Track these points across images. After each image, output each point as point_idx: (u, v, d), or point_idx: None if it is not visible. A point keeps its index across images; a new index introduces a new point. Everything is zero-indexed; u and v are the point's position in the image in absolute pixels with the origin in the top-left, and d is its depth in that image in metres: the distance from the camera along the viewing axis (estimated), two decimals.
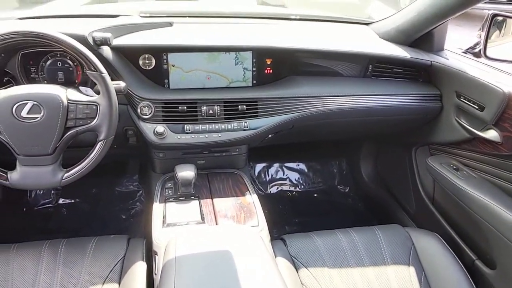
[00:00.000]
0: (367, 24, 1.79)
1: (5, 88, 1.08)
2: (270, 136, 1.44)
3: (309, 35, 1.62)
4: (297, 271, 1.20)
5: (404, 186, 1.83)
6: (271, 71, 1.48)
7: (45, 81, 1.32)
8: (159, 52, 1.37)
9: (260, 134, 1.39)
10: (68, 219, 1.97)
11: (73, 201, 2.06)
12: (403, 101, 1.51)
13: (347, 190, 2.30)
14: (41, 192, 2.05)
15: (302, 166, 2.35)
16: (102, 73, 1.08)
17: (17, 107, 1.02)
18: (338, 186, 2.31)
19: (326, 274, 1.20)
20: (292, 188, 2.25)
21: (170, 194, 1.34)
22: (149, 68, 1.39)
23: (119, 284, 1.12)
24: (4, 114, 1.02)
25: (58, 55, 1.32)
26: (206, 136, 1.35)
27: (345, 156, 2.35)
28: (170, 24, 1.52)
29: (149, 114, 1.32)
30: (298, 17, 1.78)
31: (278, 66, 1.48)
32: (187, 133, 1.34)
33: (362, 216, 2.12)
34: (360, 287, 1.19)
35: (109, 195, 2.08)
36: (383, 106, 1.50)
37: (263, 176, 2.27)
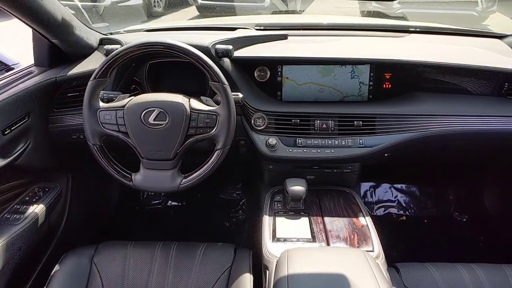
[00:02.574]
0: (500, 37, 1.60)
1: (134, 95, 1.16)
2: (386, 155, 1.34)
3: (433, 48, 1.49)
4: None
5: None
6: (389, 86, 1.39)
7: (167, 90, 1.41)
8: (274, 64, 1.38)
9: (376, 153, 1.30)
10: (175, 220, 2.09)
11: (180, 204, 2.18)
12: None
13: (464, 219, 2.05)
14: (152, 193, 2.21)
15: (413, 188, 2.16)
16: (224, 84, 1.11)
17: (145, 113, 1.09)
18: (455, 214, 2.07)
19: None
20: (401, 212, 2.08)
21: (280, 207, 1.33)
22: (264, 80, 1.40)
23: None
24: (133, 119, 1.10)
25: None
26: (319, 151, 1.31)
27: (464, 182, 2.10)
28: (285, 37, 1.53)
29: (263, 126, 1.33)
30: (419, 29, 1.65)
31: (398, 81, 1.39)
32: (299, 146, 1.32)
33: (484, 251, 1.86)
34: None
35: (213, 201, 2.16)
36: None
37: (369, 196, 2.14)
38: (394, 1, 4.91)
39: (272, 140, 1.30)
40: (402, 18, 5.13)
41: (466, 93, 1.40)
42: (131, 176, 1.15)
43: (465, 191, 2.09)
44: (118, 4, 5.51)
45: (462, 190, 2.10)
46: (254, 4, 5.40)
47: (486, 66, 1.33)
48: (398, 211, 2.09)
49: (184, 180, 1.14)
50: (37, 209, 1.31)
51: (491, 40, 1.60)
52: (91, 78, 1.10)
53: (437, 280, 1.14)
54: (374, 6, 5.32)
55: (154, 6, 6.07)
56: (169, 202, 2.19)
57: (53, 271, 1.15)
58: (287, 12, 5.44)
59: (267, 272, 1.09)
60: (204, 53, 1.12)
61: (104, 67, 1.09)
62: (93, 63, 1.40)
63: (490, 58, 1.40)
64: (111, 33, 1.61)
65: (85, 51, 1.45)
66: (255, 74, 1.40)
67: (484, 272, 1.16)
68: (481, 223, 1.97)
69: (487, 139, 1.36)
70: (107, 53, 1.26)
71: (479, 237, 1.92)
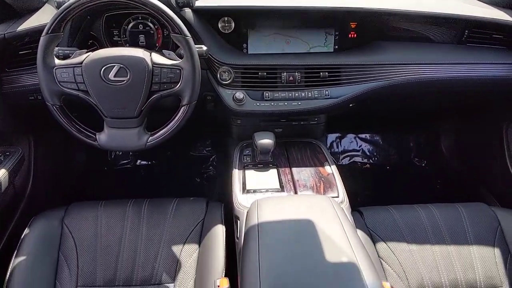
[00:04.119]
0: None
1: (91, 51, 1.10)
2: (351, 105, 1.38)
3: None
4: (374, 244, 1.17)
5: (490, 163, 1.69)
6: (355, 35, 1.39)
7: (127, 44, 1.35)
8: (239, 15, 1.34)
9: (342, 103, 1.33)
10: (146, 179, 2.08)
11: (149, 162, 2.17)
12: (501, 71, 1.36)
13: (423, 164, 2.17)
14: (120, 153, 2.18)
15: (377, 138, 2.24)
16: (187, 36, 1.07)
17: (104, 69, 1.04)
18: (414, 159, 2.19)
19: (405, 249, 1.16)
20: (365, 160, 2.18)
21: (249, 161, 1.35)
22: (228, 32, 1.36)
23: (199, 245, 1.16)
24: (93, 76, 1.05)
25: (140, 18, 1.34)
26: (286, 104, 1.32)
27: (424, 129, 2.20)
28: None
29: (229, 80, 1.31)
30: None
31: (363, 30, 1.38)
32: (266, 100, 1.32)
33: (440, 192, 2.00)
34: (441, 265, 1.13)
35: (183, 159, 2.16)
36: (478, 76, 1.36)
37: (335, 147, 2.21)
38: None
39: (239, 94, 1.29)
40: None
41: (429, 41, 1.43)
42: (96, 136, 1.12)
43: (424, 137, 2.20)
44: None
45: (422, 137, 2.20)
46: None
47: (446, 14, 1.35)
48: (362, 160, 2.18)
49: (150, 138, 1.13)
50: None
51: None
52: (43, 33, 1.03)
53: (397, 220, 1.22)
54: None
55: None
56: (138, 161, 2.17)
57: (22, 235, 1.14)
58: None
59: (238, 222, 1.13)
60: (164, 3, 1.06)
61: (56, 20, 1.02)
62: (44, 17, 1.30)
63: (452, 5, 1.42)
64: None
65: (34, 4, 1.34)
66: (219, 26, 1.35)
67: (439, 211, 1.25)
68: (438, 167, 2.09)
69: (448, 86, 1.40)
70: (58, 5, 1.17)
71: (436, 180, 2.06)
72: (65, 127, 1.11)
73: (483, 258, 1.14)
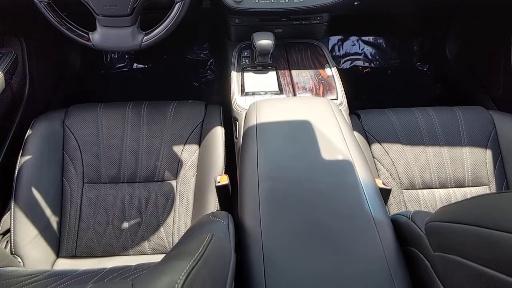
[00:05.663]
0: None
1: None
2: (356, 3, 1.30)
3: None
4: (369, 145, 1.21)
5: (493, 69, 1.65)
6: None
7: None
8: None
9: (346, 0, 1.25)
10: (143, 83, 2.06)
11: (146, 66, 2.12)
12: None
13: (425, 68, 2.13)
14: (116, 56, 2.12)
15: (380, 40, 2.16)
16: None
17: None
18: (417, 63, 2.14)
19: (399, 150, 1.20)
20: (367, 64, 2.13)
21: (247, 63, 1.32)
22: None
23: (199, 145, 1.20)
24: None
25: None
26: (287, 1, 1.24)
27: (429, 33, 2.11)
28: None
29: None
30: None
31: None
32: None
33: (440, 96, 2.00)
34: (433, 165, 1.18)
35: (180, 62, 2.11)
36: None
37: (336, 50, 2.14)
38: None
39: None
40: None
41: None
42: (89, 35, 1.08)
43: (429, 41, 2.12)
44: None
45: (427, 40, 2.13)
46: None
47: None
48: (363, 63, 2.13)
49: (145, 37, 1.08)
50: None
51: None
52: None
53: (394, 122, 1.24)
54: None
55: None
56: (135, 65, 2.12)
57: (26, 136, 1.16)
58: None
59: (237, 123, 1.15)
60: None
61: None
62: None
63: None
64: None
65: None
66: None
67: (436, 113, 1.26)
68: (440, 71, 2.06)
69: None
70: None
71: (436, 84, 2.04)
72: (56, 25, 1.06)
73: (474, 158, 1.19)
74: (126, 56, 2.13)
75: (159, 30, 1.08)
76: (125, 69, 2.11)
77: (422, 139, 1.22)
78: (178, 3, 1.04)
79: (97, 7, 1.03)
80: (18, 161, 1.11)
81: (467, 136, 1.21)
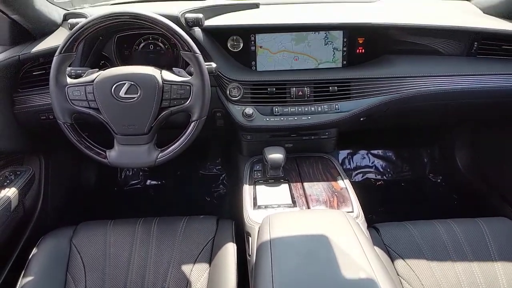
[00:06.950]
0: None
1: (103, 70, 1.12)
2: (362, 119, 1.36)
3: (403, 11, 1.50)
4: (392, 261, 1.13)
5: (509, 176, 1.63)
6: (363, 50, 1.39)
7: (138, 64, 1.37)
8: (247, 34, 1.36)
9: (353, 117, 1.32)
10: (155, 199, 2.07)
11: (159, 182, 2.16)
12: None
13: (439, 180, 2.12)
14: (130, 173, 2.18)
15: (389, 153, 2.21)
16: (196, 53, 1.08)
17: (115, 87, 1.05)
18: (429, 175, 2.14)
19: (425, 266, 1.11)
20: (379, 177, 2.14)
21: (259, 176, 1.33)
22: (237, 50, 1.38)
23: (210, 264, 1.13)
24: (104, 94, 1.06)
25: (150, 38, 1.37)
26: (295, 118, 1.31)
27: (437, 143, 2.16)
28: (257, 6, 1.50)
29: (238, 96, 1.32)
30: None
31: (371, 45, 1.39)
32: (276, 115, 1.31)
33: (458, 207, 1.94)
34: (464, 283, 1.08)
35: (193, 178, 2.15)
36: (490, 87, 1.35)
37: (347, 163, 2.18)
38: None
39: (249, 110, 1.30)
40: None
41: (438, 54, 1.42)
42: (106, 153, 1.12)
43: (438, 152, 2.15)
44: None
45: (435, 152, 2.16)
46: None
47: (456, 26, 1.35)
48: (376, 176, 2.14)
49: (160, 154, 1.12)
50: (9, 192, 1.27)
51: (459, 2, 1.62)
52: (56, 53, 1.05)
53: (415, 236, 1.18)
54: None
55: None
56: (148, 181, 2.17)
57: (30, 255, 1.13)
58: None
59: (250, 239, 1.10)
60: (174, 22, 1.08)
61: (69, 40, 1.04)
62: (58, 39, 1.33)
63: (460, 18, 1.42)
64: (75, 9, 1.53)
65: (49, 27, 1.38)
66: (228, 44, 1.37)
67: (459, 226, 1.21)
68: (455, 182, 2.04)
69: (459, 98, 1.39)
70: (72, 27, 1.20)
71: (453, 195, 2.00)
72: (76, 144, 1.11)
73: (509, 274, 1.09)
74: (140, 173, 2.19)
75: (174, 147, 1.12)
76: (138, 185, 2.15)
77: (448, 254, 1.14)
78: (194, 122, 1.10)
79: (117, 127, 1.09)
80: (19, 282, 1.06)
81: (496, 250, 1.14)
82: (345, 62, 1.39)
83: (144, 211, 1.97)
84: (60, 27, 1.43)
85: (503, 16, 1.44)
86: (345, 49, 1.38)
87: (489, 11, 1.49)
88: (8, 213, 1.25)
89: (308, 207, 1.19)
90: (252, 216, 1.15)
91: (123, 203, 2.06)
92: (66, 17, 1.44)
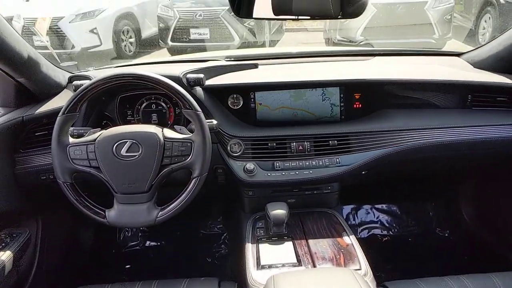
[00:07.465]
0: (458, 55, 1.69)
1: (105, 129, 1.13)
2: (364, 173, 1.35)
3: (397, 68, 1.55)
4: None
5: None
6: (360, 105, 1.43)
7: (140, 123, 1.39)
8: (247, 91, 1.40)
9: (354, 171, 1.31)
10: (155, 260, 2.00)
11: (159, 243, 2.10)
12: (509, 132, 1.36)
13: (446, 234, 2.06)
14: (129, 234, 2.12)
15: (394, 208, 2.17)
16: (197, 111, 1.10)
17: (117, 145, 1.06)
18: (436, 229, 2.09)
19: None
20: (385, 232, 2.08)
21: (262, 234, 1.29)
22: (237, 108, 1.41)
23: None
24: (105, 152, 1.06)
25: (153, 98, 1.40)
26: (297, 173, 1.31)
27: (442, 196, 2.13)
28: (255, 66, 1.56)
29: (239, 152, 1.32)
30: (382, 53, 1.73)
31: (368, 101, 1.42)
32: (277, 170, 1.31)
33: (468, 261, 1.86)
34: None
35: (194, 238, 2.09)
36: (487, 138, 1.37)
37: (352, 219, 2.13)
38: (358, 32, 5.19)
39: (250, 165, 1.29)
40: (367, 45, 5.44)
41: (434, 107, 1.46)
42: (105, 213, 1.10)
43: (443, 205, 2.11)
44: (89, 50, 5.53)
45: (441, 205, 2.12)
46: (224, 43, 5.54)
47: (448, 80, 1.39)
48: (382, 232, 2.08)
49: (161, 212, 1.10)
50: (4, 256, 1.22)
51: (450, 58, 1.69)
52: (60, 113, 1.07)
53: None
54: (339, 40, 5.62)
55: (125, 50, 6.13)
56: (148, 242, 2.10)
57: None
58: (255, 43, 5.65)
59: None
60: (176, 83, 1.12)
61: (73, 101, 1.07)
62: (62, 100, 1.37)
63: (453, 73, 1.47)
64: (80, 71, 1.59)
65: (54, 89, 1.42)
66: (229, 102, 1.41)
67: (472, 282, 1.14)
68: (463, 236, 1.98)
69: (456, 149, 1.39)
70: (76, 88, 1.24)
71: (462, 250, 1.93)
72: (75, 204, 1.09)
73: None
74: (140, 234, 2.12)
75: (174, 205, 1.10)
76: (137, 247, 2.08)
77: None
78: (195, 179, 1.09)
79: (117, 186, 1.08)
80: None
81: None
82: (343, 117, 1.42)
83: (143, 273, 1.90)
84: (65, 89, 1.47)
85: (493, 70, 1.49)
86: (342, 104, 1.41)
87: (479, 65, 1.54)
88: (1, 278, 1.19)
89: (314, 265, 1.14)
90: (255, 277, 1.10)
91: (121, 265, 1.98)
92: (71, 80, 1.49)
